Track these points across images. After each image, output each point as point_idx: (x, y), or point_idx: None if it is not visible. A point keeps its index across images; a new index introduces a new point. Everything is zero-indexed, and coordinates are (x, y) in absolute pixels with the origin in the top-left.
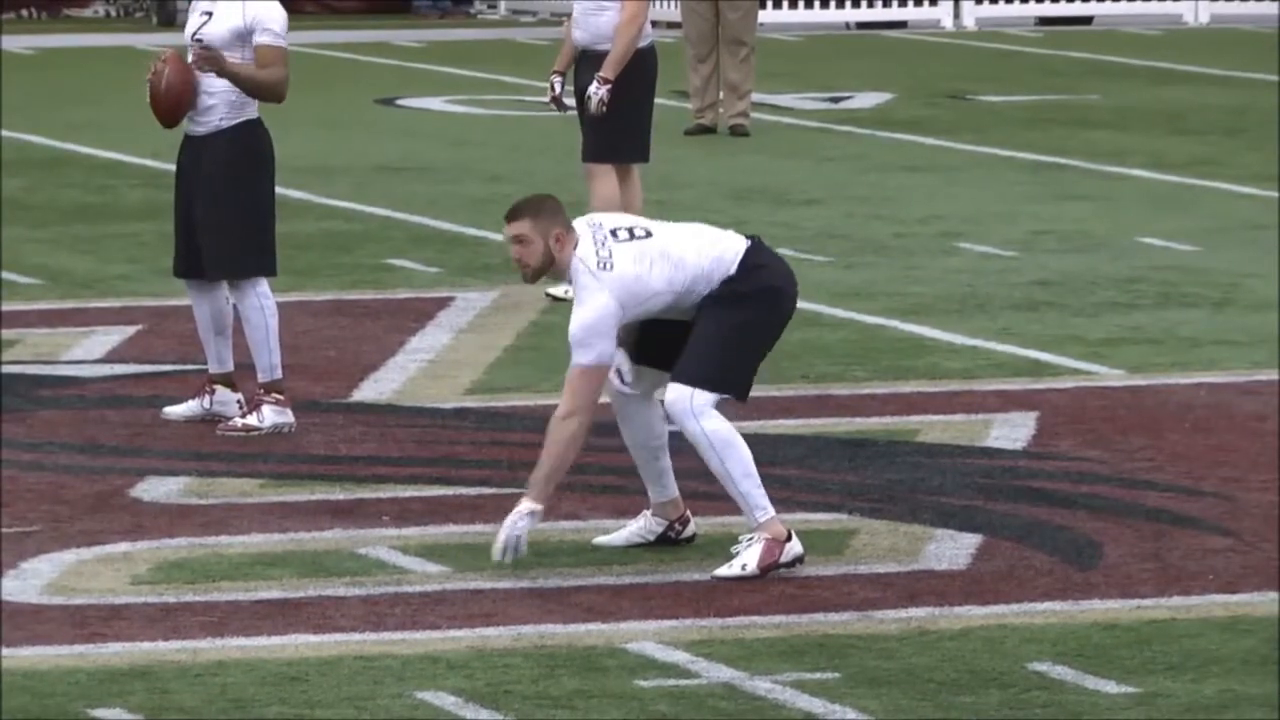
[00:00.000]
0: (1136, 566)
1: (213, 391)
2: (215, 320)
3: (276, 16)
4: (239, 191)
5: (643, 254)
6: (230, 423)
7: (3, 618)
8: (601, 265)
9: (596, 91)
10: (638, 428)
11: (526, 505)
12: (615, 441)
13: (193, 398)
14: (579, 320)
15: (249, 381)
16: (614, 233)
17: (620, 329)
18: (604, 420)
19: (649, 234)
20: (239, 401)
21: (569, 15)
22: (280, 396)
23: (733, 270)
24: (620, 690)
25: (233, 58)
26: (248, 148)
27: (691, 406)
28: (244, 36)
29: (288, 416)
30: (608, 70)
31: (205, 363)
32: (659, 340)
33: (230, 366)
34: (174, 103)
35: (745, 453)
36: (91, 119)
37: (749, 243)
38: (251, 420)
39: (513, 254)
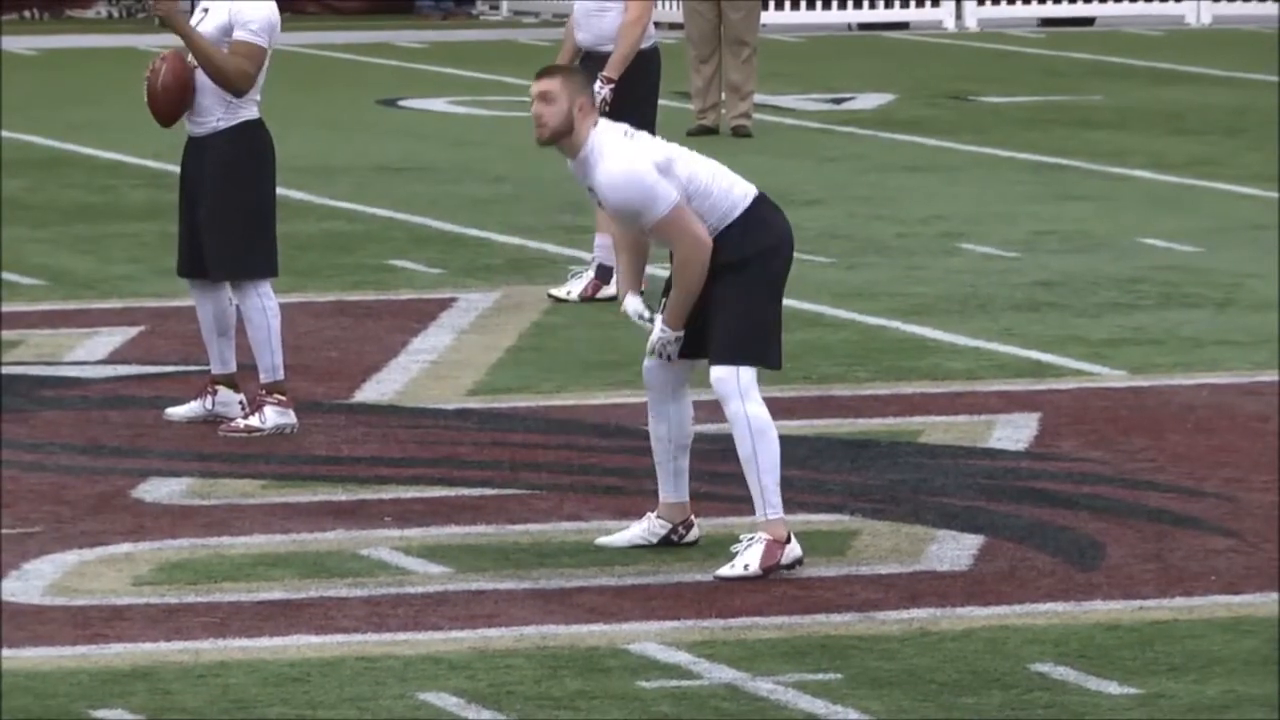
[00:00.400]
0: (1139, 567)
1: (215, 392)
2: (218, 321)
3: (256, 15)
4: (239, 192)
5: (666, 146)
6: (233, 424)
7: (5, 618)
8: (626, 135)
9: (600, 91)
10: (670, 422)
11: (671, 332)
12: (616, 443)
13: (195, 399)
14: (625, 180)
15: (251, 382)
16: (636, 131)
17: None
18: (604, 422)
19: (668, 143)
20: (241, 402)
21: (570, 16)
22: (282, 397)
23: (735, 215)
24: (622, 691)
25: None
26: (247, 148)
27: (739, 386)
28: (228, 31)
29: (290, 417)
30: (611, 70)
31: (208, 363)
32: (691, 329)
33: (233, 367)
34: (170, 101)
35: (776, 448)
36: (93, 119)
37: (755, 194)
38: (254, 421)
39: (533, 111)
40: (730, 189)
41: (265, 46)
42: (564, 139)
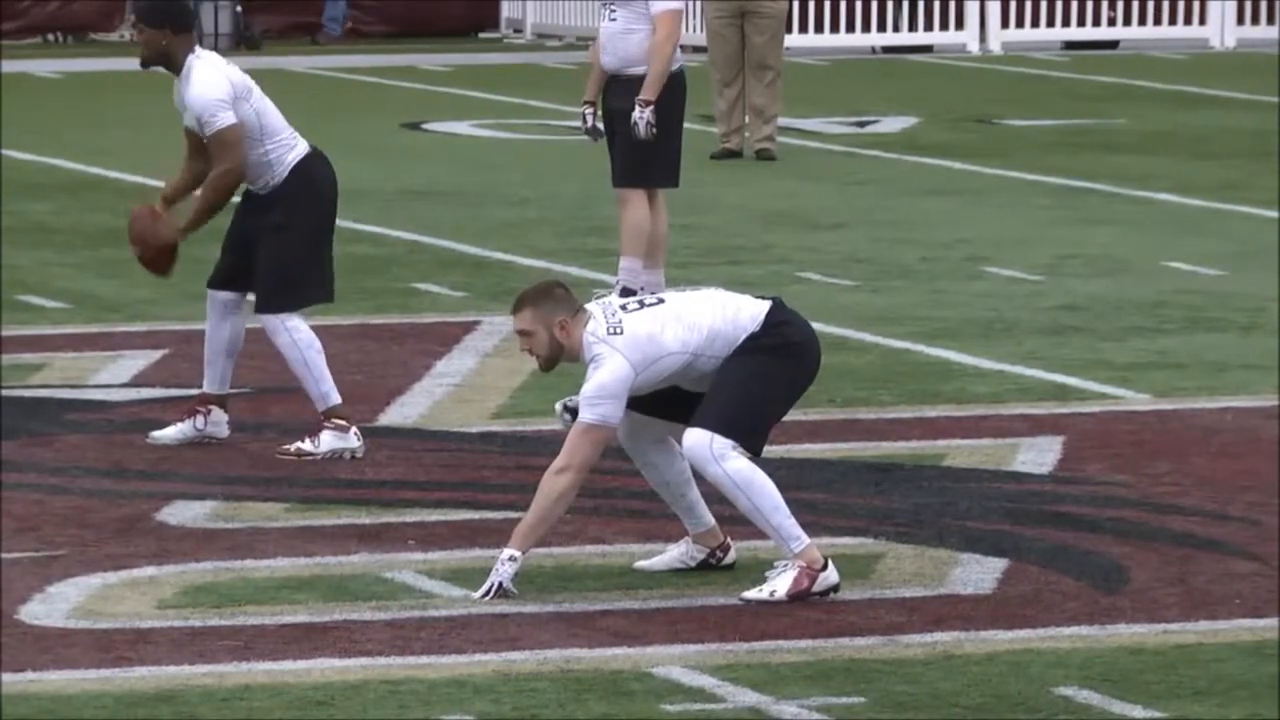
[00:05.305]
0: (1163, 591)
1: (208, 412)
2: (231, 341)
3: (203, 106)
4: (297, 233)
5: (655, 317)
6: (287, 446)
7: (30, 641)
8: (611, 331)
9: (641, 116)
10: (658, 469)
11: (508, 552)
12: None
13: (184, 419)
14: (592, 381)
15: (308, 411)
16: (624, 306)
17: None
18: None
19: (661, 301)
20: (228, 423)
21: (595, 39)
22: (341, 421)
23: (755, 328)
24: (646, 714)
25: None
26: (304, 192)
27: (711, 451)
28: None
29: (348, 440)
30: (648, 92)
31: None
32: (667, 395)
33: (228, 389)
34: (162, 261)
35: (770, 487)
36: (119, 143)
37: (770, 302)
38: (307, 445)
39: (520, 346)
40: (736, 316)
41: (229, 124)
42: (559, 359)
